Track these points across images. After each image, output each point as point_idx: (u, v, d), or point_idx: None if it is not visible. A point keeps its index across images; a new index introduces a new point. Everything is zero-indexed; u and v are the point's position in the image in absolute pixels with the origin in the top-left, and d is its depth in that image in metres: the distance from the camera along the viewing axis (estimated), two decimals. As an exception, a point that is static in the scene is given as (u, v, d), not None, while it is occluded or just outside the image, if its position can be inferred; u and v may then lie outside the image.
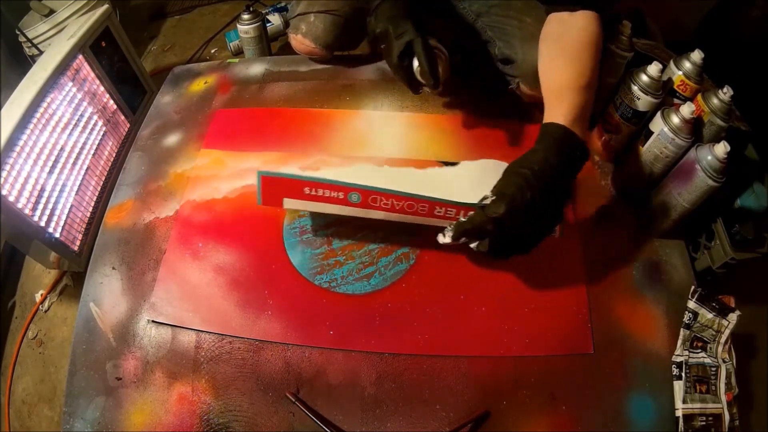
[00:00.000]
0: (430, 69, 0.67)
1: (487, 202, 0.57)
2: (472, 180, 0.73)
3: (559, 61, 0.64)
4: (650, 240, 0.74)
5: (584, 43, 0.63)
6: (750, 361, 0.81)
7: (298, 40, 0.93)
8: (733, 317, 0.67)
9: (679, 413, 0.62)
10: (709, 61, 0.69)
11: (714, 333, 0.67)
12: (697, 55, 0.69)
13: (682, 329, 0.66)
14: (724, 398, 0.64)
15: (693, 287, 0.68)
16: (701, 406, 0.63)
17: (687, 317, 0.67)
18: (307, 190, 0.64)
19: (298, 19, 0.93)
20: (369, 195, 0.63)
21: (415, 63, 0.70)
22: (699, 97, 0.69)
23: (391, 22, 0.69)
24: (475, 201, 0.59)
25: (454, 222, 0.59)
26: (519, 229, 0.56)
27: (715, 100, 0.67)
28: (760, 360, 0.82)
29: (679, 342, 0.66)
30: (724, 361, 0.66)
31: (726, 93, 0.66)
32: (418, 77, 0.70)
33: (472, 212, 0.59)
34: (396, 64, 0.70)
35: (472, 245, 0.59)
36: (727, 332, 0.66)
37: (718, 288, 0.69)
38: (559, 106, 0.60)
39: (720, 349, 0.66)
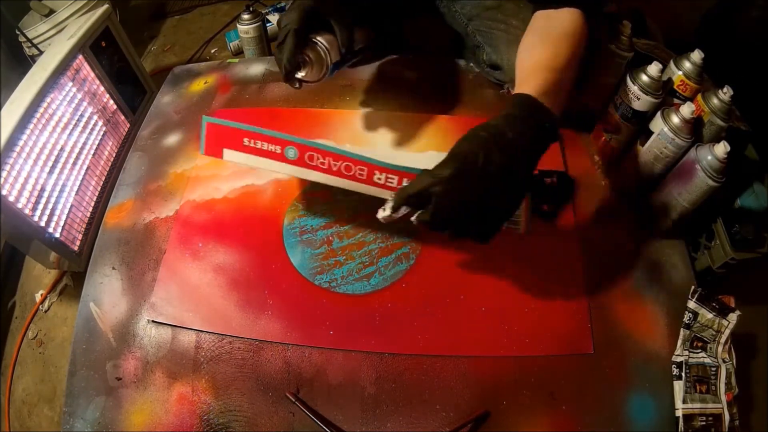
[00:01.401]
0: (287, 59, 0.63)
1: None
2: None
3: (535, 46, 0.62)
4: (650, 240, 0.74)
5: (565, 32, 0.61)
6: (750, 361, 0.81)
7: None
8: (733, 317, 0.66)
9: (679, 413, 0.62)
10: (709, 61, 0.69)
11: (714, 333, 0.67)
12: (697, 55, 0.69)
13: (682, 329, 0.66)
14: (724, 398, 0.64)
15: (693, 287, 0.68)
16: (701, 406, 0.63)
17: (687, 317, 0.67)
18: (246, 140, 0.62)
19: None
20: (306, 151, 0.61)
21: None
22: (699, 97, 0.69)
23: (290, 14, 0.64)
24: None
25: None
26: (469, 196, 0.49)
27: (715, 100, 0.67)
28: (760, 360, 0.82)
29: (679, 342, 0.66)
30: (724, 361, 0.66)
31: (726, 93, 0.66)
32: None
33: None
34: (275, 54, 0.66)
35: (413, 217, 0.51)
36: (727, 332, 0.66)
37: (718, 288, 0.69)
38: (529, 82, 0.56)
39: (720, 349, 0.66)
